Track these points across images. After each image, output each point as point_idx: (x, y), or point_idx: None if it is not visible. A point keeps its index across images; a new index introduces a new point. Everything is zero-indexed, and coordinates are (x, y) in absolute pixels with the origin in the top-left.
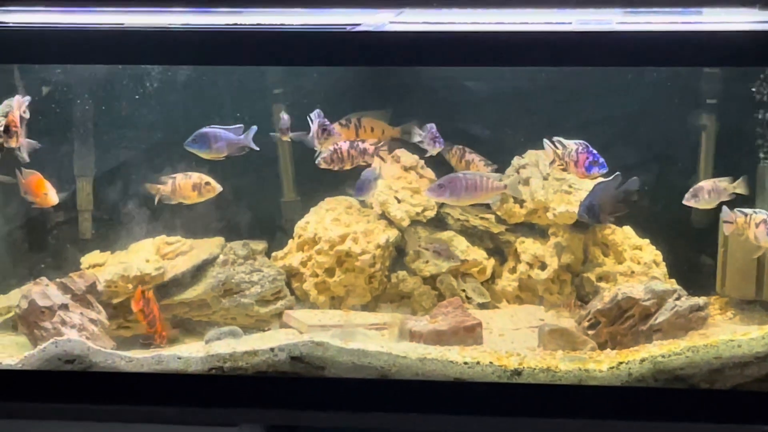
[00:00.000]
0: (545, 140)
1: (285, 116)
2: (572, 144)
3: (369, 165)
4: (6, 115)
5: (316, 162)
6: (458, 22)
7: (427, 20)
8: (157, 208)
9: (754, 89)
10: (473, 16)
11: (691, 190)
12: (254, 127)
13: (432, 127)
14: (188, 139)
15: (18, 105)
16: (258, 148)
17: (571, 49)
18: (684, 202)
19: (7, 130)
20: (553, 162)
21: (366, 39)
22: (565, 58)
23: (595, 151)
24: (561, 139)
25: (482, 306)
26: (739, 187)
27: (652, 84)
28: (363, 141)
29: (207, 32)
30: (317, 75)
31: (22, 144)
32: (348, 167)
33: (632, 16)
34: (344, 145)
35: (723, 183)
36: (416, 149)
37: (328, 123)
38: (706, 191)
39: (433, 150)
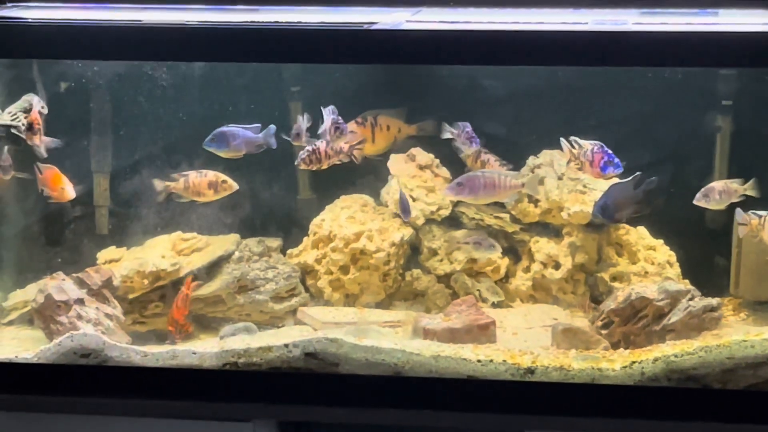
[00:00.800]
0: (562, 139)
1: (299, 119)
2: (588, 144)
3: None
4: (25, 111)
5: (296, 163)
6: (474, 21)
7: (443, 19)
8: (174, 205)
9: None
10: (489, 16)
11: (702, 190)
12: (272, 126)
13: (466, 125)
14: (207, 138)
15: (38, 102)
16: (275, 146)
17: (587, 48)
18: (695, 202)
19: (31, 127)
20: (569, 162)
21: (382, 37)
22: (580, 58)
23: (610, 152)
24: (577, 138)
25: (497, 305)
26: (750, 189)
27: (668, 85)
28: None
29: (224, 29)
30: (334, 73)
31: (44, 141)
32: (325, 167)
33: (648, 17)
34: (321, 146)
35: (734, 184)
36: (431, 148)
37: (341, 120)
38: (717, 192)
39: (468, 150)
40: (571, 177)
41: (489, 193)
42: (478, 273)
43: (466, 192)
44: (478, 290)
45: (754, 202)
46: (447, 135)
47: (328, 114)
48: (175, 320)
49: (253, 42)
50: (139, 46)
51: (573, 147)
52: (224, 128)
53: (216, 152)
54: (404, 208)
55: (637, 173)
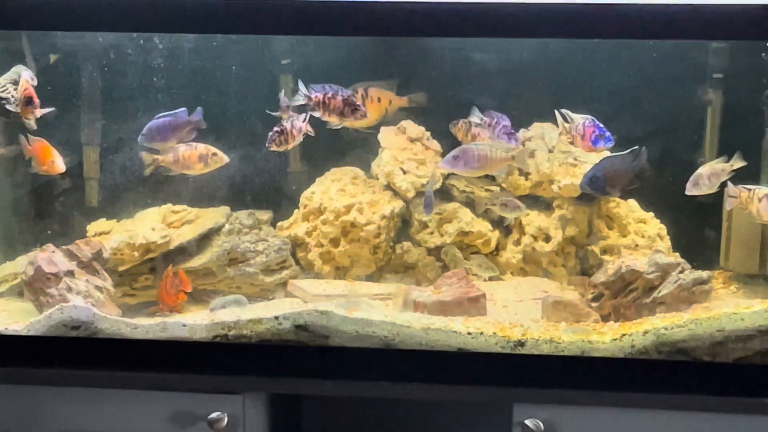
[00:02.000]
0: (557, 112)
1: (282, 94)
2: (579, 118)
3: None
4: (14, 83)
5: (266, 145)
6: None
7: None
8: (165, 177)
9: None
10: None
11: (690, 179)
12: (200, 108)
13: (503, 118)
14: (139, 136)
15: (28, 74)
16: (205, 126)
17: (577, 21)
18: (687, 192)
19: (31, 101)
20: (560, 134)
21: (374, 9)
22: (571, 31)
23: (601, 125)
24: (569, 112)
25: (492, 279)
26: (737, 162)
27: (658, 58)
28: (297, 118)
29: (216, 1)
30: (325, 45)
31: (39, 113)
32: (291, 147)
33: None
34: (287, 125)
35: (719, 164)
36: (422, 121)
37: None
38: (706, 177)
39: (503, 144)
40: (562, 150)
41: (482, 166)
42: (468, 246)
43: (461, 165)
44: (468, 268)
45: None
46: (476, 119)
47: (319, 90)
48: (165, 303)
49: (245, 14)
50: (130, 18)
51: (565, 120)
52: (152, 122)
53: (152, 146)
54: (428, 204)
55: (635, 147)
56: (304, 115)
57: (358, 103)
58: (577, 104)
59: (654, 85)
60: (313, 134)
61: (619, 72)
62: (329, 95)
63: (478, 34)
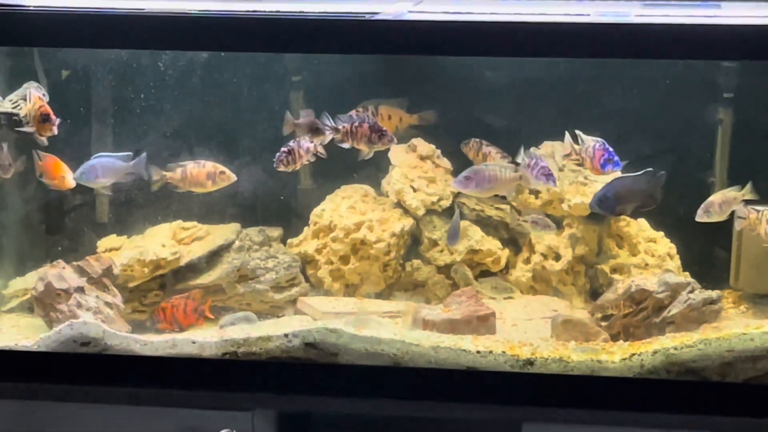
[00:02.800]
0: (567, 133)
1: (287, 114)
2: (590, 140)
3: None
4: (26, 99)
5: (274, 165)
6: (477, 11)
7: (446, 10)
8: (175, 193)
9: None
10: (492, 6)
11: (702, 206)
12: (143, 155)
13: (541, 160)
14: (78, 172)
15: (38, 89)
16: (147, 177)
17: (589, 40)
18: (697, 219)
19: (48, 118)
20: (569, 155)
21: (385, 27)
22: (582, 50)
23: (611, 149)
24: (580, 133)
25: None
26: (748, 193)
27: (670, 77)
28: (304, 139)
29: (226, 18)
30: (336, 62)
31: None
32: (298, 167)
33: (651, 9)
34: (294, 146)
35: (731, 193)
36: (433, 138)
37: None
38: (717, 205)
39: (541, 186)
40: (572, 168)
41: (494, 186)
42: (478, 264)
43: (473, 185)
44: (480, 292)
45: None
46: (521, 162)
47: (305, 115)
48: (179, 323)
49: (255, 31)
50: (141, 35)
51: (575, 142)
52: (94, 161)
53: (88, 184)
54: (453, 234)
55: (649, 169)
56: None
57: (384, 129)
58: (587, 123)
59: (665, 103)
60: (324, 156)
61: (629, 91)
62: (356, 124)
63: (489, 52)
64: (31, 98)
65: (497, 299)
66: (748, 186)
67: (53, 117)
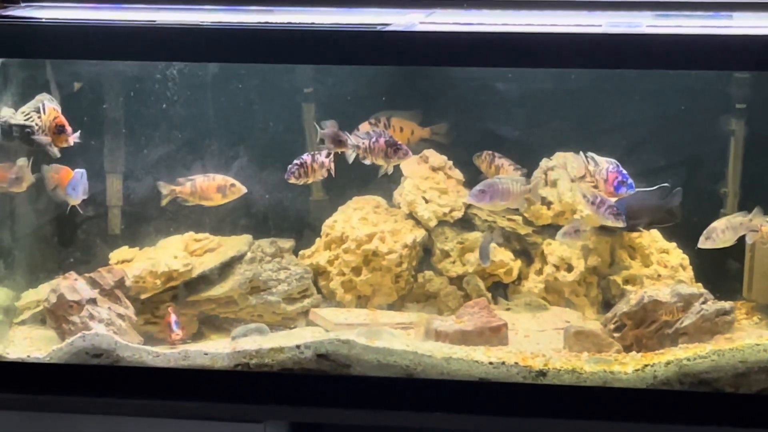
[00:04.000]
0: (580, 154)
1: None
2: (604, 162)
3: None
4: (38, 111)
5: (285, 177)
6: (488, 23)
7: (457, 21)
8: (185, 206)
9: None
10: (503, 17)
11: (705, 231)
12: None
13: (608, 200)
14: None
15: (51, 101)
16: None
17: (601, 51)
18: (699, 245)
19: (63, 130)
20: (584, 177)
21: (396, 39)
22: (594, 60)
23: (624, 172)
24: (594, 155)
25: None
26: (757, 218)
27: (682, 87)
28: (320, 153)
29: (238, 30)
30: (348, 74)
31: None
32: (311, 181)
33: (662, 20)
34: (308, 159)
35: (737, 218)
36: (444, 150)
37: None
38: (720, 231)
39: (613, 223)
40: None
41: (506, 199)
42: (490, 275)
43: (487, 199)
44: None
45: None
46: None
47: (328, 126)
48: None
49: (266, 43)
50: (153, 47)
51: (588, 163)
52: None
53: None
54: (484, 255)
55: (664, 184)
56: (326, 151)
57: (400, 143)
58: (599, 134)
59: (677, 114)
60: (333, 174)
61: (641, 101)
62: (373, 140)
63: (500, 63)
64: (46, 109)
65: (533, 314)
66: (756, 210)
67: (68, 128)
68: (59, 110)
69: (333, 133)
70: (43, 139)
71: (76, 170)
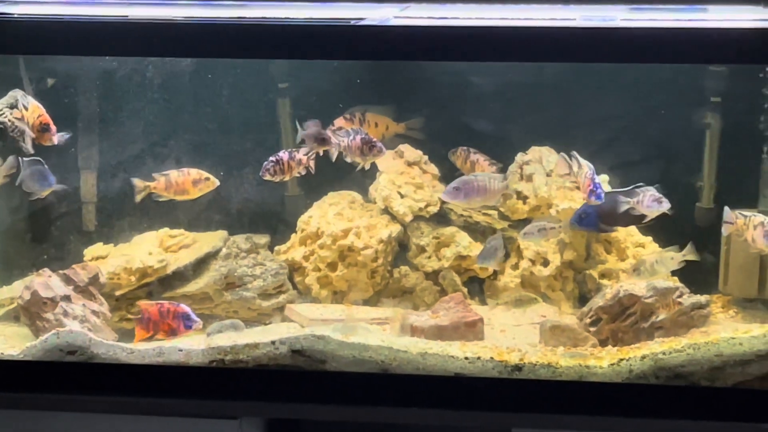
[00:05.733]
0: (563, 155)
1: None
2: (585, 166)
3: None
4: (11, 107)
5: (260, 174)
6: (463, 17)
7: (431, 15)
8: (161, 202)
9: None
10: (478, 12)
11: (632, 264)
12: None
13: (649, 189)
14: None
15: (24, 97)
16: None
17: (575, 44)
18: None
19: (48, 128)
20: (568, 174)
21: (370, 33)
22: (569, 54)
23: (598, 182)
24: (577, 155)
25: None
26: (689, 254)
27: (657, 81)
28: (297, 151)
29: (211, 25)
30: (322, 69)
31: (26, 138)
32: (287, 178)
33: (636, 13)
34: (284, 156)
35: (669, 253)
36: (420, 145)
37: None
38: (649, 264)
39: (652, 212)
40: (560, 174)
41: (482, 197)
42: (466, 270)
43: (462, 196)
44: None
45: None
46: (624, 207)
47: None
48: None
49: (240, 38)
50: (126, 42)
51: (570, 162)
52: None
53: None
54: (487, 256)
55: (639, 184)
56: (305, 149)
57: (375, 140)
58: (574, 128)
59: (651, 108)
60: (312, 172)
61: (616, 95)
62: (351, 138)
63: (475, 58)
64: (29, 106)
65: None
66: (689, 246)
67: (52, 127)
68: (42, 108)
69: (316, 132)
70: (27, 130)
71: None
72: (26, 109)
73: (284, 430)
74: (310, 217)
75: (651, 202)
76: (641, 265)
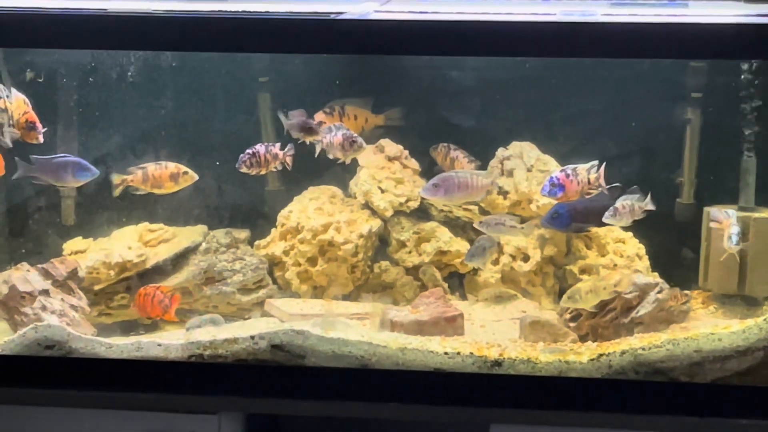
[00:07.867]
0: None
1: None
2: (582, 169)
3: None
4: None
5: (237, 166)
6: (443, 11)
7: (412, 9)
8: (141, 196)
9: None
10: (458, 6)
11: (568, 291)
12: None
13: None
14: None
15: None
16: None
17: (556, 39)
18: (561, 303)
19: (34, 126)
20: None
21: (350, 27)
22: (549, 49)
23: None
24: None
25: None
26: (623, 285)
27: (637, 77)
28: (274, 145)
29: (190, 18)
30: (302, 62)
31: (5, 131)
32: (264, 172)
33: (617, 8)
34: (261, 149)
35: (602, 283)
36: (400, 139)
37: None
38: (584, 292)
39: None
40: (541, 169)
41: (463, 194)
42: (446, 265)
43: (441, 193)
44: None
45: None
46: (713, 224)
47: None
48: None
49: (220, 31)
50: (105, 35)
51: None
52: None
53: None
54: (475, 255)
55: (616, 184)
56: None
57: (356, 136)
58: (554, 123)
59: (632, 103)
60: (289, 167)
61: (596, 90)
62: (333, 134)
63: (456, 52)
64: (14, 101)
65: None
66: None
67: (39, 125)
68: (28, 105)
69: (302, 122)
70: (6, 123)
71: None
72: (9, 100)
73: (263, 425)
74: (291, 212)
75: (632, 210)
76: (576, 293)
